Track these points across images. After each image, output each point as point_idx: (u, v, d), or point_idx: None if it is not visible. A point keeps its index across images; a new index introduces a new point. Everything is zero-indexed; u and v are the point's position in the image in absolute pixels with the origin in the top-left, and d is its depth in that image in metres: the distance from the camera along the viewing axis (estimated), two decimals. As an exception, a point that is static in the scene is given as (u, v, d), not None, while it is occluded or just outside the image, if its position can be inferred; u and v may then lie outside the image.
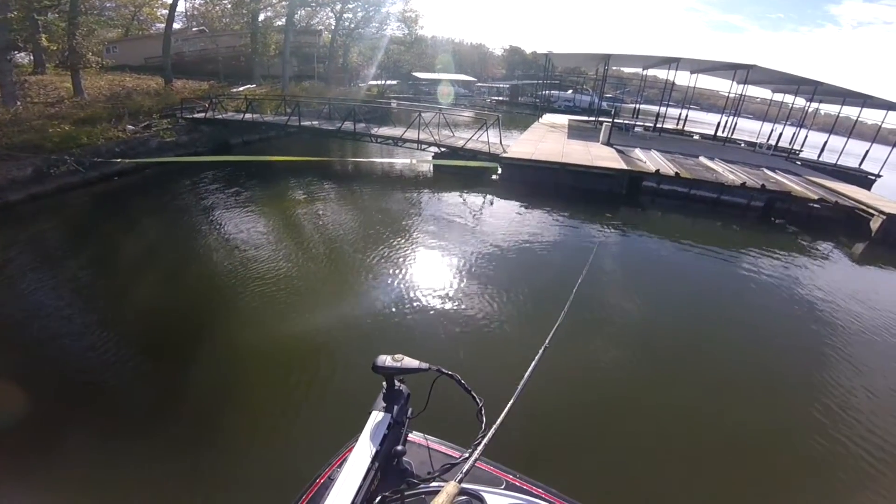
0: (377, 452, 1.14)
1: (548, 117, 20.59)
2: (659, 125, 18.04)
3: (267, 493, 3.00)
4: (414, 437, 1.50)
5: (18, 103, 13.27)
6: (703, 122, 25.16)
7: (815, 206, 10.32)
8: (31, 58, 17.83)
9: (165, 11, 19.91)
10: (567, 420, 3.75)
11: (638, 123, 17.68)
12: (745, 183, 10.49)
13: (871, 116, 17.95)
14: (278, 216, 9.18)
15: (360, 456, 1.13)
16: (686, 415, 4.03)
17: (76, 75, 14.86)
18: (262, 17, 23.55)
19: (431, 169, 12.60)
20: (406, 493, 1.14)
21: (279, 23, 24.61)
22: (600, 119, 18.33)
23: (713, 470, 3.54)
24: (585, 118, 20.48)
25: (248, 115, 14.35)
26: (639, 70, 23.13)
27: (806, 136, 18.70)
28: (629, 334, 5.17)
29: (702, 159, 13.33)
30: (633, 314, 5.59)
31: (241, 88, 19.71)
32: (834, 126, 18.50)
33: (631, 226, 9.06)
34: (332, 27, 27.58)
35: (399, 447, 1.21)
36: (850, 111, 18.56)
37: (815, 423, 4.03)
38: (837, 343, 5.46)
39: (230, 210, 9.23)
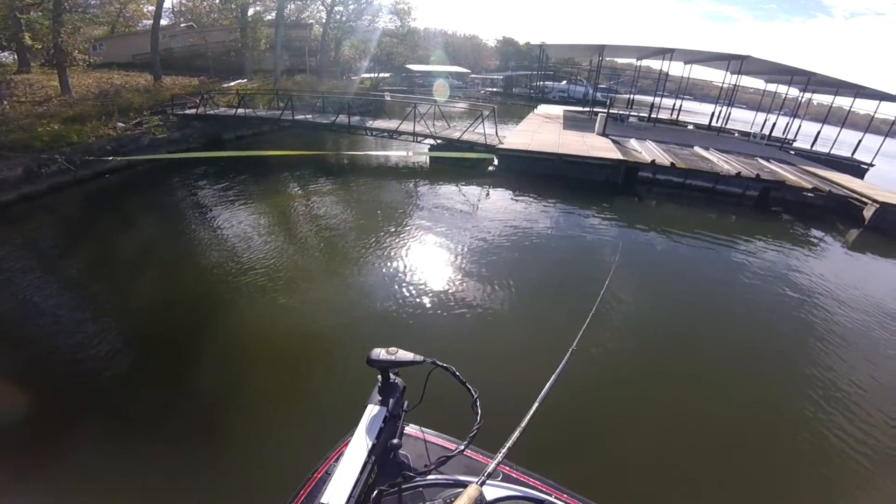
0: (373, 446, 1.14)
1: (543, 108, 20.60)
2: (653, 115, 18.11)
3: (264, 489, 3.02)
4: (410, 430, 1.50)
5: (5, 103, 13.11)
6: (698, 112, 25.26)
7: (809, 194, 10.44)
8: (15, 57, 17.55)
9: (152, 8, 19.63)
10: (565, 417, 3.78)
11: (633, 114, 17.72)
12: (740, 172, 10.58)
13: (863, 106, 18.11)
14: (273, 211, 9.16)
15: (357, 450, 1.13)
16: (681, 399, 4.10)
17: (63, 73, 14.65)
18: (251, 11, 23.31)
19: (428, 161, 12.59)
20: (403, 487, 1.14)
21: (269, 17, 24.37)
22: (595, 110, 18.36)
23: (716, 453, 3.63)
24: (580, 109, 20.49)
25: (240, 110, 14.23)
26: (633, 61, 23.16)
27: (799, 126, 18.84)
28: (624, 323, 5.21)
29: (697, 149, 13.41)
30: (630, 304, 5.63)
31: (232, 83, 19.52)
32: (827, 116, 18.66)
33: (627, 216, 9.12)
34: (324, 21, 27.31)
35: (395, 440, 1.23)
36: (843, 101, 18.73)
37: (816, 407, 4.12)
38: (834, 329, 5.58)
39: (224, 206, 9.20)
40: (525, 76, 34.88)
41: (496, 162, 11.40)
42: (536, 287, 5.92)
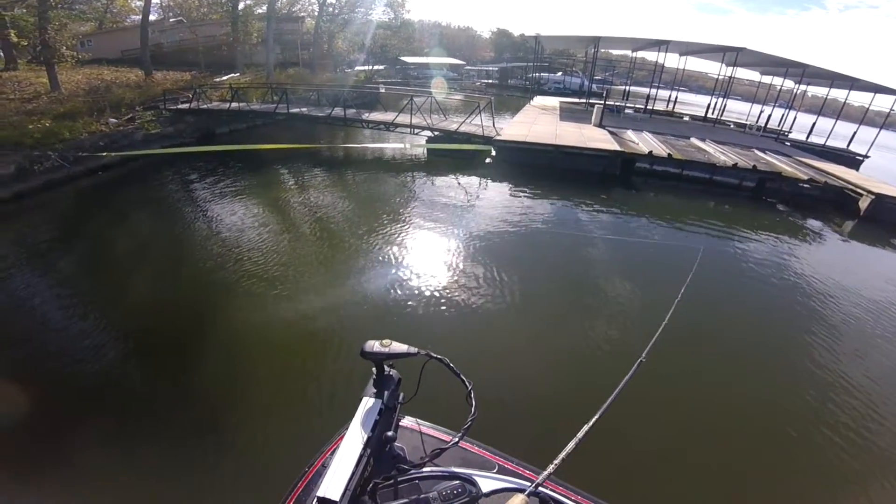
0: (369, 439, 1.14)
1: (539, 99, 20.62)
2: (650, 107, 18.19)
3: (261, 483, 3.02)
4: (406, 422, 1.51)
5: (-8, 99, 12.95)
6: (693, 104, 25.40)
7: (805, 186, 10.58)
8: (1, 54, 17.32)
9: (140, 3, 19.39)
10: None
11: (628, 105, 17.80)
12: (736, 164, 10.69)
13: (858, 99, 18.33)
14: (268, 204, 9.15)
15: (352, 443, 1.13)
16: (671, 389, 4.09)
17: (51, 70, 14.46)
18: (242, 5, 23.09)
19: (425, 153, 12.62)
20: (399, 479, 1.15)
21: (260, 10, 24.15)
22: (591, 101, 18.42)
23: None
24: (576, 100, 20.53)
25: (233, 105, 14.15)
26: (628, 52, 23.21)
27: (795, 118, 19.02)
28: (612, 311, 5.28)
29: (693, 140, 13.52)
30: (626, 293, 5.70)
31: (224, 78, 19.36)
32: (822, 108, 18.84)
33: (625, 206, 9.20)
34: (316, 14, 27.10)
35: (390, 433, 1.22)
36: (838, 93, 18.90)
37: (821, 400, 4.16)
38: (829, 319, 5.65)
39: (219, 200, 9.20)
40: (520, 68, 34.84)
41: (494, 153, 11.44)
42: (533, 281, 5.93)
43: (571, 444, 1.17)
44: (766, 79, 21.58)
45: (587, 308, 5.40)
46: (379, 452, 1.19)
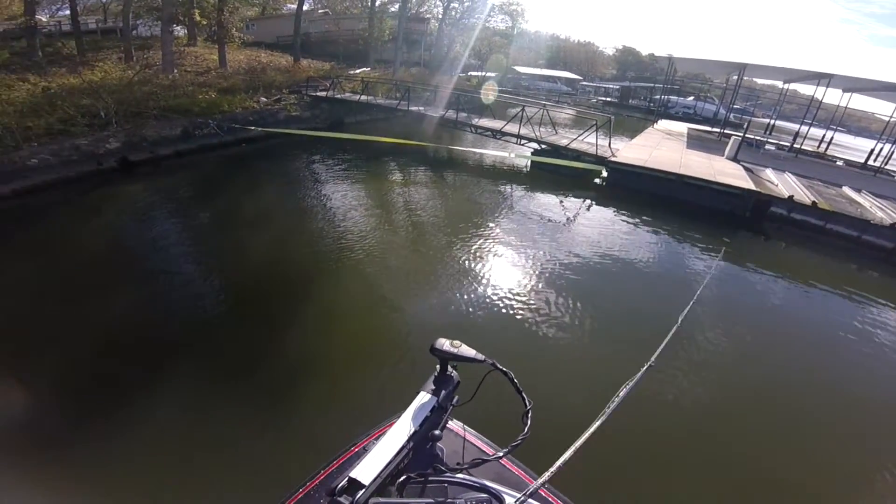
0: (415, 432, 1.17)
1: (664, 123, 19.40)
2: (797, 145, 16.17)
3: (302, 455, 3.13)
4: (453, 425, 1.51)
5: (175, 71, 15.69)
6: (852, 148, 21.95)
7: None
8: (185, 31, 20.84)
9: (299, -8, 22.06)
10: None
11: (771, 140, 15.96)
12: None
13: None
14: (372, 192, 9.94)
15: (399, 433, 1.16)
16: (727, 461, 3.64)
17: (222, 48, 17.12)
18: (378, 2, 25.11)
19: (529, 165, 12.63)
20: (430, 479, 1.15)
21: (393, 9, 26.09)
22: (727, 131, 16.90)
23: None
24: (707, 128, 18.97)
25: (363, 97, 15.51)
26: (777, 83, 20.83)
27: None
28: (726, 376, 4.72)
29: (846, 189, 11.76)
30: (736, 355, 5.07)
31: (357, 71, 21.25)
32: None
33: (750, 255, 8.20)
34: (440, 16, 28.51)
35: (436, 432, 1.24)
36: None
37: None
38: None
39: (334, 182, 10.23)
40: (645, 88, 33.02)
41: (604, 175, 11.08)
42: (617, 313, 5.64)
43: (569, 453, 1.16)
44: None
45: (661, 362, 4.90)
46: (420, 448, 1.21)
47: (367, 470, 1.05)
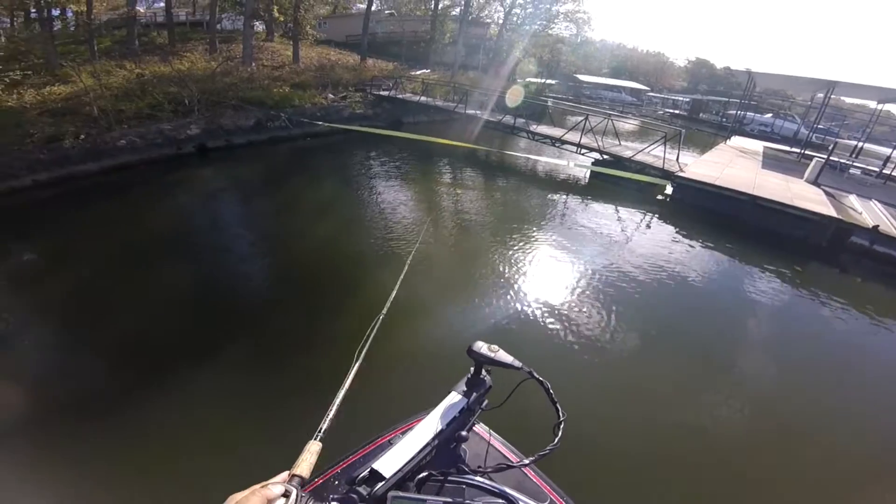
0: (441, 431, 1.18)
1: (737, 140, 18.48)
2: (886, 171, 14.88)
3: (329, 442, 3.40)
4: (479, 428, 1.52)
5: (254, 64, 16.92)
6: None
7: None
8: (263, 27, 22.39)
9: (368, -7, 23.09)
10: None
11: (857, 164, 14.76)
12: None
13: None
14: (428, 193, 10.35)
15: (426, 429, 1.17)
16: None
17: (296, 45, 18.25)
18: (441, 4, 25.75)
19: (588, 175, 12.51)
20: (449, 478, 1.17)
21: (455, 12, 26.66)
22: (808, 152, 15.86)
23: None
24: (786, 148, 17.86)
25: (422, 98, 16.02)
26: (866, 101, 19.23)
27: None
28: (772, 409, 4.41)
29: (946, 225, 10.73)
30: (789, 390, 4.77)
31: (417, 72, 21.92)
32: None
33: (821, 286, 7.55)
34: (500, 21, 28.76)
35: (463, 433, 1.25)
36: None
37: None
38: None
39: (390, 180, 10.77)
40: (718, 102, 31.56)
41: (669, 190, 10.79)
42: (666, 337, 5.45)
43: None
44: None
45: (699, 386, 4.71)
46: (444, 447, 1.22)
47: (389, 463, 1.08)
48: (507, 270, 6.59)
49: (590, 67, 41.16)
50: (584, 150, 12.42)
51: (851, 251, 9.20)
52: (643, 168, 11.31)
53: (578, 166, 12.85)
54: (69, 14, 17.02)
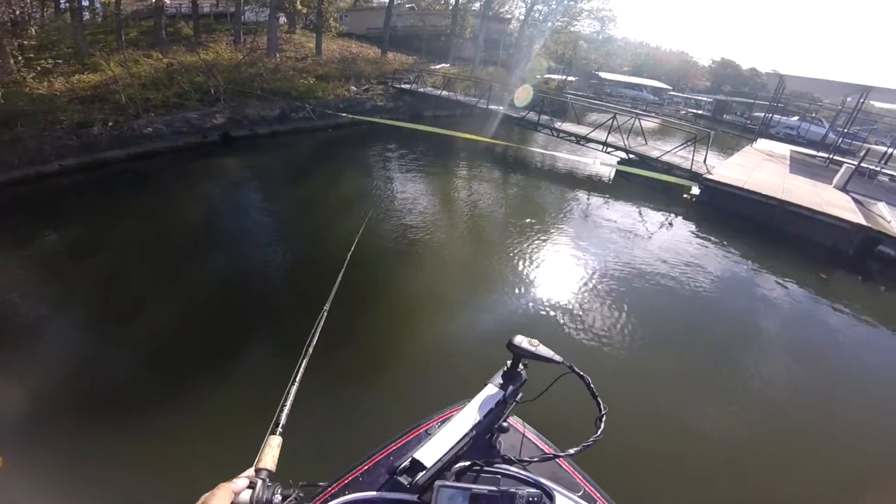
0: (479, 422, 1.20)
1: (763, 143, 18.38)
2: (919, 179, 14.71)
3: (368, 430, 3.46)
4: (513, 420, 1.53)
5: (278, 55, 17.22)
6: None
7: None
8: (285, 19, 22.68)
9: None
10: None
11: (887, 171, 14.60)
12: None
13: None
14: (448, 187, 10.57)
15: (464, 420, 1.20)
16: None
17: (319, 37, 18.50)
18: (462, -1, 25.85)
19: (612, 174, 12.60)
20: (485, 469, 1.19)
21: (475, 7, 26.74)
22: (836, 158, 15.75)
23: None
24: (814, 153, 17.73)
25: (443, 92, 16.19)
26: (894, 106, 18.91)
27: None
28: (778, 414, 4.46)
29: (978, 236, 10.63)
30: (797, 396, 4.83)
31: (438, 66, 22.08)
32: None
33: (844, 295, 7.53)
34: (522, 17, 28.74)
35: (503, 423, 1.29)
36: None
37: None
38: None
39: (410, 173, 11.06)
40: (742, 104, 31.22)
41: (695, 191, 10.85)
42: (681, 335, 5.58)
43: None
44: None
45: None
46: (481, 438, 1.24)
47: (430, 452, 1.10)
48: (525, 265, 6.76)
49: (611, 65, 40.90)
50: (609, 149, 12.50)
51: (879, 260, 9.18)
52: (670, 169, 11.38)
53: (604, 165, 12.94)
54: (97, 5, 17.49)
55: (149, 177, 9.70)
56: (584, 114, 18.29)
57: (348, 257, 2.33)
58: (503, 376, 1.34)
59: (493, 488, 1.04)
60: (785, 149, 17.53)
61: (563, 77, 30.62)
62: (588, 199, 10.93)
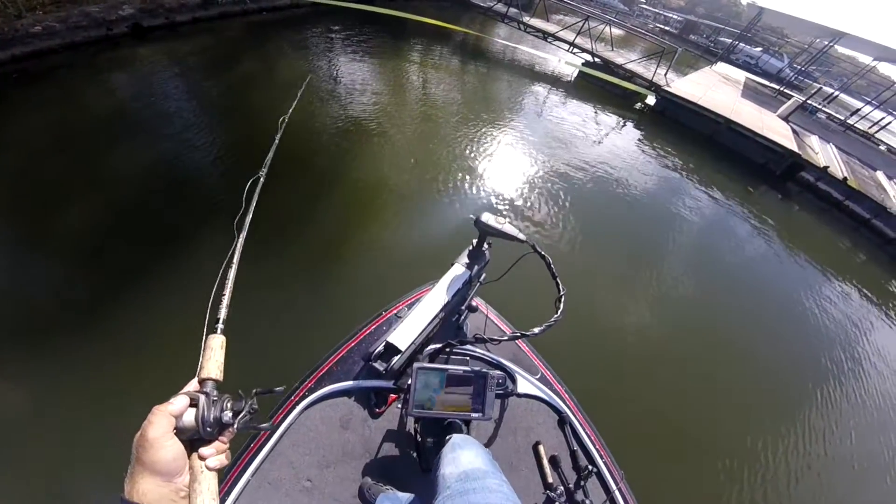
0: (447, 303, 1.20)
1: (722, 66, 18.71)
2: (850, 122, 15.93)
3: (338, 317, 3.37)
4: (477, 301, 1.53)
5: None
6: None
7: None
8: None
9: None
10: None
11: (825, 110, 15.58)
12: (909, 215, 9.45)
13: None
14: (390, 70, 9.79)
15: (433, 302, 1.19)
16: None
17: None
18: None
19: (574, 75, 12.37)
20: (454, 350, 1.20)
21: None
22: (786, 91, 16.43)
23: None
24: (766, 83, 18.35)
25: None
26: (863, 57, 19.61)
27: None
28: (679, 313, 5.01)
29: (878, 174, 11.93)
30: (696, 296, 5.35)
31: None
32: None
33: (760, 207, 8.45)
34: None
35: (466, 305, 1.31)
36: None
37: None
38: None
39: (353, 56, 10.00)
40: (710, 27, 30.90)
41: (650, 101, 10.98)
42: (611, 231, 5.97)
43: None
44: None
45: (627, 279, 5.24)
46: (449, 319, 1.26)
47: (402, 336, 1.09)
48: (476, 155, 6.69)
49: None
50: (576, 50, 12.09)
51: (799, 183, 10.22)
52: (631, 77, 11.32)
53: (568, 64, 12.62)
54: None
55: (42, 74, 7.81)
56: (552, 12, 17.25)
57: (286, 119, 1.72)
58: (469, 255, 1.31)
59: (468, 368, 1.05)
60: (741, 75, 17.96)
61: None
62: (547, 95, 10.69)
